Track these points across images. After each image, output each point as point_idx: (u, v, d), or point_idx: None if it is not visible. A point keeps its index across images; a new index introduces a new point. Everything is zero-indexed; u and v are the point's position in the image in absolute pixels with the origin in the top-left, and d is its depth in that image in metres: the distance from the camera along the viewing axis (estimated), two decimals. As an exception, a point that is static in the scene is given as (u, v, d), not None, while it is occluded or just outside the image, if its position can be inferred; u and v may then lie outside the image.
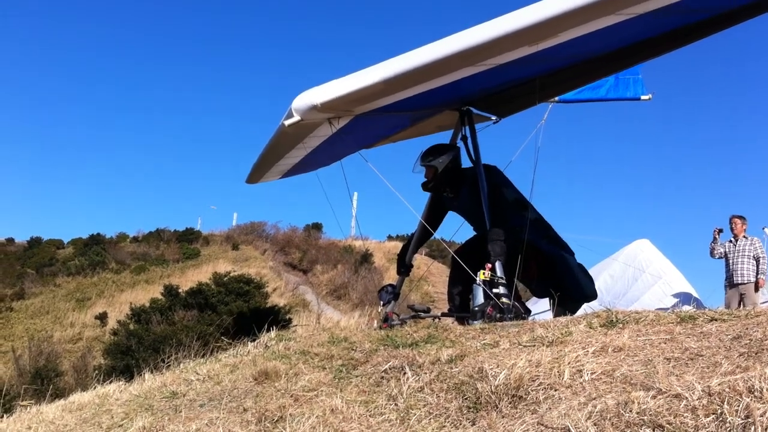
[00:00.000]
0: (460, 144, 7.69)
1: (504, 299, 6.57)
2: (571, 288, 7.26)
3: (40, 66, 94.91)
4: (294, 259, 45.06)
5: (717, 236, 12.56)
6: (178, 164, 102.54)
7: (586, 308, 6.87)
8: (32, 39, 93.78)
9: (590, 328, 4.60)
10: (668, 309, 11.72)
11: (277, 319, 16.31)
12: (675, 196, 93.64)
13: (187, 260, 42.08)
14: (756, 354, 3.47)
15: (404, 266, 8.21)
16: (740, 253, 12.10)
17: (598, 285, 14.40)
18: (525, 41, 5.41)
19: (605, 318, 4.76)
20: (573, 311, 7.07)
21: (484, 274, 6.68)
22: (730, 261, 12.22)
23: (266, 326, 7.05)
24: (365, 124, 7.07)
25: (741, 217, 12.43)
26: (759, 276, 11.99)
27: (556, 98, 8.91)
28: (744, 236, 12.29)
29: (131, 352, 17.85)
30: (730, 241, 12.36)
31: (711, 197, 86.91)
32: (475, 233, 7.72)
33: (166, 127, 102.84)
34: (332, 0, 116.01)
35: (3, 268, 41.64)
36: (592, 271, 15.22)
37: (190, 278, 34.26)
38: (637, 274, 13.81)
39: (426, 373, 4.20)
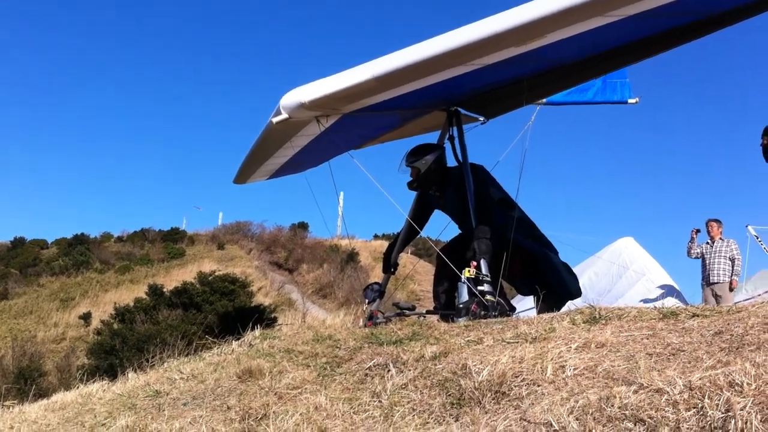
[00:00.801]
0: (446, 144, 7.70)
1: (488, 296, 6.57)
2: (555, 286, 7.28)
3: (24, 65, 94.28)
4: (280, 259, 45.00)
5: (694, 236, 12.94)
6: (163, 164, 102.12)
7: (570, 305, 6.89)
8: (16, 36, 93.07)
9: (573, 324, 4.62)
10: (653, 300, 11.86)
11: (262, 318, 16.33)
12: (659, 195, 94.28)
13: (172, 260, 41.93)
14: (737, 349, 3.49)
15: (390, 265, 8.18)
16: (717, 254, 12.54)
17: (583, 282, 14.48)
18: (513, 42, 5.42)
19: (588, 314, 4.78)
20: (557, 309, 7.10)
21: (469, 271, 6.68)
22: (707, 261, 12.65)
23: (251, 325, 7.02)
24: (353, 124, 7.06)
25: (717, 221, 12.91)
26: (733, 277, 12.45)
27: (544, 100, 8.92)
28: (720, 238, 12.73)
29: (115, 352, 17.80)
30: (707, 243, 12.73)
31: (693, 198, 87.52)
32: (460, 232, 7.73)
33: (150, 127, 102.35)
34: (318, 6, 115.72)
35: (-14, 268, 41.33)
36: (576, 269, 15.29)
37: (175, 278, 34.13)
38: (621, 272, 13.89)
39: (410, 370, 4.21)
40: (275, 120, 6.32)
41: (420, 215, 7.86)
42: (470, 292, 6.64)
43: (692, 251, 12.87)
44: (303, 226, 50.64)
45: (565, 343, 4.03)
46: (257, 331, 6.72)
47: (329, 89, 5.98)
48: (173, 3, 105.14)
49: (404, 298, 39.10)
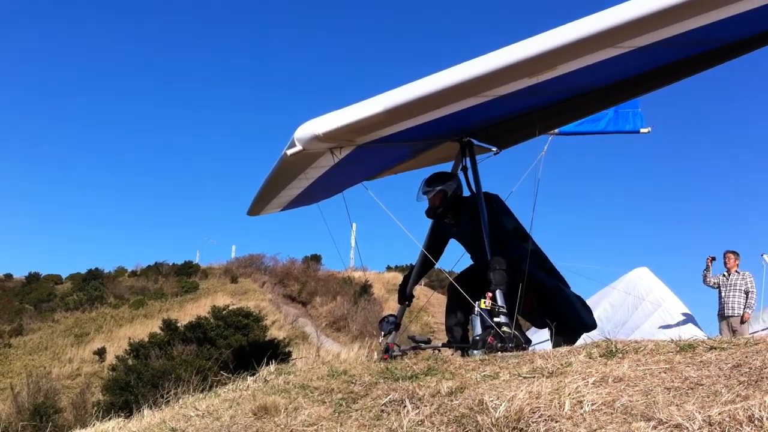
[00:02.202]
0: (460, 174, 7.73)
1: (505, 328, 6.54)
2: (569, 319, 7.24)
3: (35, 103, 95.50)
4: (293, 291, 44.97)
5: (710, 264, 12.90)
6: (177, 198, 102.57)
7: (585, 338, 6.85)
8: (24, 73, 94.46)
9: (590, 358, 4.59)
10: (673, 326, 11.77)
11: (277, 352, 16.28)
12: (673, 224, 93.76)
13: (186, 294, 41.98)
14: (756, 382, 3.47)
15: (405, 296, 8.18)
16: (732, 287, 12.50)
17: (598, 314, 14.43)
18: (525, 73, 5.45)
19: (605, 348, 4.76)
20: (572, 341, 7.05)
21: (484, 302, 6.66)
22: (723, 294, 12.61)
23: (265, 360, 7.01)
24: (366, 155, 7.10)
25: (734, 253, 12.85)
26: (746, 310, 12.40)
27: (556, 130, 8.95)
28: (736, 271, 12.69)
29: (130, 388, 17.75)
30: (723, 275, 12.69)
31: (708, 226, 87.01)
32: (472, 263, 7.72)
33: (163, 162, 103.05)
34: (333, 41, 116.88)
35: (1, 303, 41.43)
36: (591, 300, 15.27)
37: (188, 312, 34.15)
38: (636, 302, 13.81)
39: (426, 406, 4.18)
40: (289, 152, 6.36)
41: (435, 246, 7.86)
42: (485, 324, 6.62)
43: (708, 279, 12.82)
44: (316, 258, 50.70)
45: (582, 377, 4.01)
46: (272, 367, 6.71)
47: (342, 122, 6.02)
48: (184, 34, 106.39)
49: (418, 330, 38.97)
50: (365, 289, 43.10)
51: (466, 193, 7.67)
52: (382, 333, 8.02)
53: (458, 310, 7.43)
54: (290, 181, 8.05)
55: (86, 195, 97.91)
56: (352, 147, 6.65)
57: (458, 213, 7.53)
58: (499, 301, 6.71)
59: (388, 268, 52.19)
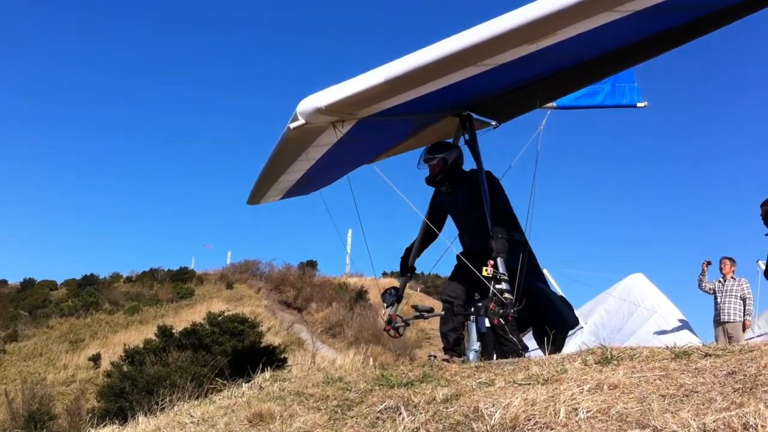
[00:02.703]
0: (461, 146, 7.78)
1: (507, 294, 6.58)
2: (552, 319, 7.27)
3: (31, 112, 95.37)
4: (289, 297, 44.93)
5: (705, 269, 12.89)
6: (172, 203, 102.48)
7: (581, 344, 6.86)
8: (19, 79, 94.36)
9: (585, 365, 4.60)
10: (668, 332, 11.77)
11: (272, 358, 16.26)
12: (670, 231, 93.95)
13: (181, 300, 41.92)
14: (750, 390, 3.48)
15: (407, 268, 8.15)
16: (728, 293, 12.49)
17: (593, 320, 14.50)
18: (525, 39, 5.48)
19: (600, 355, 4.76)
20: (561, 342, 7.10)
21: (486, 270, 6.67)
22: (718, 300, 12.59)
23: (261, 366, 7.01)
24: (368, 132, 7.10)
25: (730, 259, 12.86)
26: (745, 317, 12.40)
27: (554, 104, 8.96)
28: (732, 277, 12.67)
29: (125, 395, 17.70)
30: (719, 281, 12.67)
31: (705, 234, 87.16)
32: (460, 241, 7.67)
33: (159, 168, 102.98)
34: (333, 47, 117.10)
35: (-4, 310, 41.37)
36: (587, 306, 15.32)
37: (184, 318, 34.10)
38: (632, 309, 13.82)
39: (421, 413, 4.18)
40: (292, 125, 6.36)
41: (435, 219, 7.82)
42: (480, 330, 6.67)
43: (703, 284, 12.81)
44: (311, 264, 50.67)
45: (577, 384, 4.01)
46: (267, 373, 6.70)
47: (344, 93, 6.06)
48: (175, 37, 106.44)
49: (414, 336, 38.95)
50: (361, 295, 43.08)
51: (467, 166, 7.69)
52: (385, 305, 8.05)
53: (454, 318, 7.43)
54: (291, 162, 8.03)
55: (81, 200, 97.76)
56: (354, 121, 6.67)
57: (455, 183, 7.54)
58: (501, 269, 6.72)
59: (384, 274, 52.09)
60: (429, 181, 7.65)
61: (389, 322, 7.85)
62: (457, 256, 7.45)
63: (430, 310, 7.73)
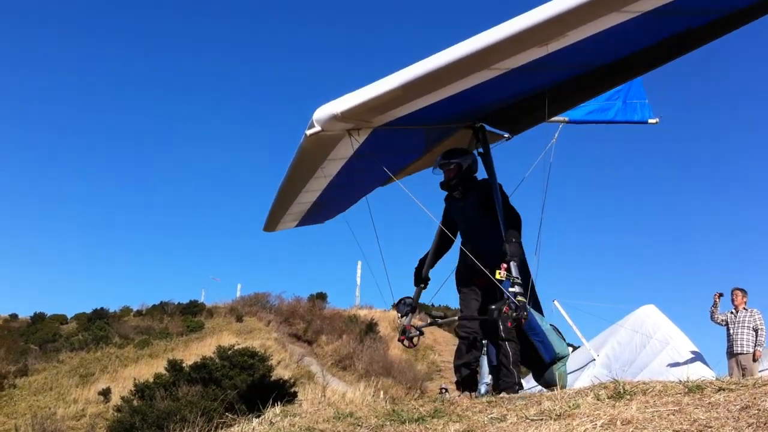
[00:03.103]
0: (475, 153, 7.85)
1: (520, 297, 6.60)
2: (542, 353, 7.20)
3: (39, 144, 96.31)
4: (298, 330, 44.81)
5: (717, 300, 12.81)
6: (181, 236, 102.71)
7: (593, 378, 6.82)
8: (25, 110, 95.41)
9: (598, 400, 4.57)
10: (681, 364, 11.66)
11: (282, 392, 16.19)
12: (681, 262, 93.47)
13: (191, 333, 41.87)
14: (765, 424, 3.45)
15: (421, 279, 8.10)
16: (740, 324, 12.41)
17: (606, 352, 14.39)
18: (536, 41, 5.57)
19: (613, 389, 4.73)
20: (551, 376, 7.06)
21: (499, 273, 6.70)
22: (731, 331, 12.50)
23: (271, 401, 6.97)
24: (382, 145, 7.15)
25: (742, 290, 12.79)
26: (756, 348, 12.27)
27: (566, 119, 9.01)
28: (744, 308, 12.59)
29: (135, 430, 17.66)
30: (731, 312, 12.62)
31: (717, 265, 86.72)
32: (462, 251, 7.63)
33: (168, 201, 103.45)
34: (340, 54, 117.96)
35: (6, 344, 41.30)
36: (599, 338, 15.22)
37: (194, 352, 34.06)
38: (644, 341, 13.71)
39: (433, 450, 4.16)
40: (309, 132, 6.44)
41: (448, 228, 7.80)
42: (491, 362, 6.65)
43: (715, 316, 12.74)
44: (321, 296, 50.62)
45: (590, 420, 3.98)
46: (277, 408, 6.66)
47: (360, 99, 6.15)
48: (184, 75, 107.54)
49: (425, 368, 38.73)
50: (371, 327, 42.96)
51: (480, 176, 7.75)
52: (399, 315, 8.05)
53: (468, 351, 7.40)
54: (307, 180, 8.07)
55: (91, 235, 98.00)
56: (369, 130, 6.74)
57: (467, 189, 7.57)
58: (514, 272, 6.75)
59: (395, 306, 52.01)
60: (443, 185, 7.69)
61: (403, 332, 7.84)
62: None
63: (444, 317, 7.71)
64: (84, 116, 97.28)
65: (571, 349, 17.39)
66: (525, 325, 7.03)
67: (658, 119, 10.00)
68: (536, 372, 7.38)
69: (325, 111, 6.30)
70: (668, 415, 3.94)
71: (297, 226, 10.21)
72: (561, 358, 7.32)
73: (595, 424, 3.88)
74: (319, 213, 9.48)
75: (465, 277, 7.45)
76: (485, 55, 5.63)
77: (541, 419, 4.30)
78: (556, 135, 8.41)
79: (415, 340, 7.95)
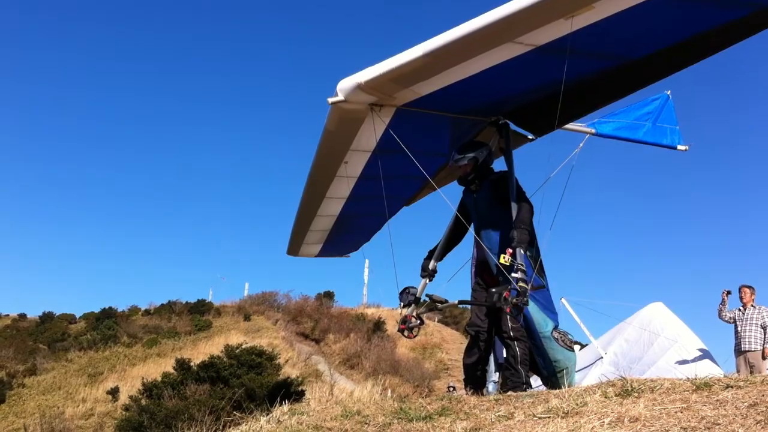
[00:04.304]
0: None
1: (522, 284, 6.53)
2: (537, 358, 7.18)
3: (49, 146, 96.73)
4: (306, 329, 44.84)
5: (725, 298, 12.76)
6: (189, 236, 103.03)
7: (600, 376, 6.79)
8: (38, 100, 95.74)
9: (605, 397, 4.55)
10: (689, 362, 11.61)
11: (290, 391, 16.19)
12: (688, 260, 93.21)
13: (199, 332, 41.97)
14: (773, 422, 3.43)
15: (428, 272, 7.96)
16: (748, 321, 12.36)
17: (614, 349, 14.35)
18: (561, 11, 5.49)
19: (620, 387, 4.71)
20: (558, 383, 7.02)
21: (504, 258, 6.65)
22: (739, 328, 12.46)
23: (279, 399, 6.97)
24: (406, 137, 7.01)
25: (750, 287, 12.76)
26: (765, 345, 12.22)
27: (593, 130, 8.97)
28: (752, 305, 12.54)
29: (143, 428, 17.68)
30: (739, 309, 12.59)
31: (725, 262, 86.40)
32: (475, 247, 7.60)
33: (177, 202, 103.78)
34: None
35: (15, 344, 41.53)
36: (607, 335, 15.17)
37: (202, 350, 34.13)
38: (652, 338, 13.65)
39: (441, 448, 4.15)
40: (331, 100, 6.41)
41: (464, 219, 7.75)
42: (498, 362, 6.61)
43: (723, 314, 12.68)
44: (329, 295, 50.62)
45: (597, 417, 3.97)
46: (285, 407, 6.66)
47: (384, 69, 6.09)
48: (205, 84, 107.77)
49: (432, 367, 38.70)
50: (378, 325, 42.96)
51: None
52: (401, 304, 7.93)
53: (477, 349, 7.36)
54: (331, 177, 8.00)
55: (99, 235, 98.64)
56: (393, 109, 6.70)
57: (482, 180, 7.52)
58: (518, 259, 6.69)
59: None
60: (461, 180, 7.65)
61: (404, 321, 7.75)
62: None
63: (444, 301, 7.65)
64: (92, 119, 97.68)
65: (578, 347, 17.38)
66: (523, 330, 7.02)
67: (687, 147, 9.89)
68: (542, 378, 7.33)
69: (349, 81, 6.26)
70: (676, 412, 3.93)
71: (320, 255, 10.20)
72: (563, 369, 7.23)
73: (603, 422, 3.87)
74: (341, 238, 9.43)
75: (478, 271, 7.42)
76: (508, 24, 5.53)
77: (549, 417, 4.29)
78: (581, 144, 8.40)
79: (415, 330, 7.83)
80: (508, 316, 6.80)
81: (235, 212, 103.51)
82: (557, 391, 5.37)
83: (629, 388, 4.64)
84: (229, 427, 7.20)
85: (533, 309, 7.09)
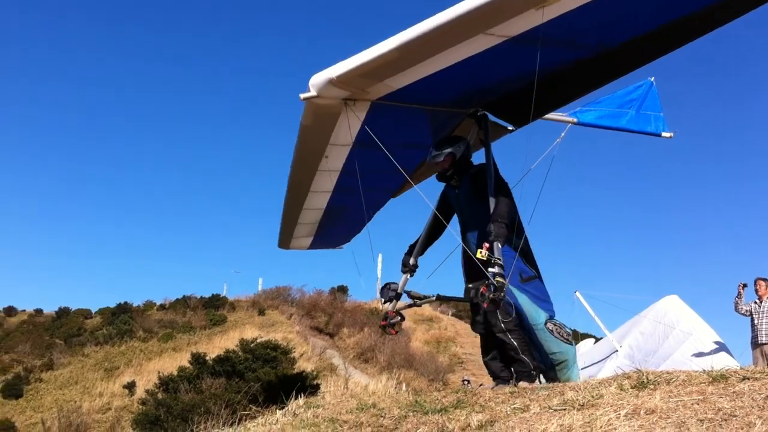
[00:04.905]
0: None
1: (499, 278, 6.40)
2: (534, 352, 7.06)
3: (66, 147, 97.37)
4: (320, 323, 44.90)
5: (741, 291, 12.68)
6: (203, 231, 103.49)
7: (616, 368, 6.78)
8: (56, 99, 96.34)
9: (621, 390, 4.55)
10: (705, 355, 11.56)
11: (305, 384, 16.25)
12: (703, 253, 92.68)
13: (214, 327, 42.12)
14: (791, 413, 3.42)
15: (408, 266, 7.86)
16: (765, 314, 12.32)
17: (629, 342, 14.32)
18: (531, 1, 5.40)
19: (636, 379, 4.71)
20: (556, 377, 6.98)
21: (480, 252, 6.55)
22: (755, 321, 12.41)
23: (294, 393, 7.00)
24: (384, 130, 6.92)
25: (766, 280, 12.67)
26: None
27: (575, 120, 8.87)
28: None
29: (160, 422, 17.78)
30: (755, 302, 12.49)
31: (740, 255, 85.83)
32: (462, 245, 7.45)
33: (190, 197, 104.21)
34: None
35: (32, 339, 41.91)
36: (622, 328, 15.14)
37: (217, 345, 34.27)
38: (667, 331, 13.62)
39: (456, 440, 4.17)
40: (303, 96, 6.31)
41: (443, 215, 7.66)
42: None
43: (739, 307, 12.60)
44: (342, 289, 50.67)
45: (613, 409, 3.97)
46: (301, 400, 6.70)
47: (355, 63, 5.98)
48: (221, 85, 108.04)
49: (446, 360, 38.67)
50: (392, 320, 42.91)
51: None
52: (382, 300, 7.87)
53: (492, 346, 7.32)
54: (313, 173, 7.94)
55: (114, 230, 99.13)
56: (367, 103, 6.61)
57: (462, 175, 7.45)
58: (496, 253, 6.57)
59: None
60: (439, 177, 7.57)
61: (385, 317, 7.70)
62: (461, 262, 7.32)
63: (423, 297, 7.61)
64: (107, 117, 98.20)
65: (593, 341, 17.33)
66: (515, 321, 6.91)
67: (672, 133, 9.78)
68: (542, 372, 7.26)
69: (320, 76, 6.15)
70: (692, 404, 3.92)
71: (312, 247, 10.17)
72: (561, 362, 7.12)
73: (619, 414, 3.87)
74: (331, 229, 9.40)
75: (465, 269, 7.28)
76: (479, 15, 5.43)
77: (564, 409, 4.30)
78: (563, 134, 8.29)
79: (396, 326, 7.78)
80: (498, 310, 6.73)
81: (248, 207, 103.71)
82: (573, 383, 5.38)
83: (645, 381, 4.64)
84: (246, 420, 7.24)
85: (524, 301, 6.97)
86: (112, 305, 48.04)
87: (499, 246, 6.65)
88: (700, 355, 12.44)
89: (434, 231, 7.85)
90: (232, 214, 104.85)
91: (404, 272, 7.90)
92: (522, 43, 5.87)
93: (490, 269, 6.49)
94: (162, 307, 49.15)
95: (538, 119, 7.94)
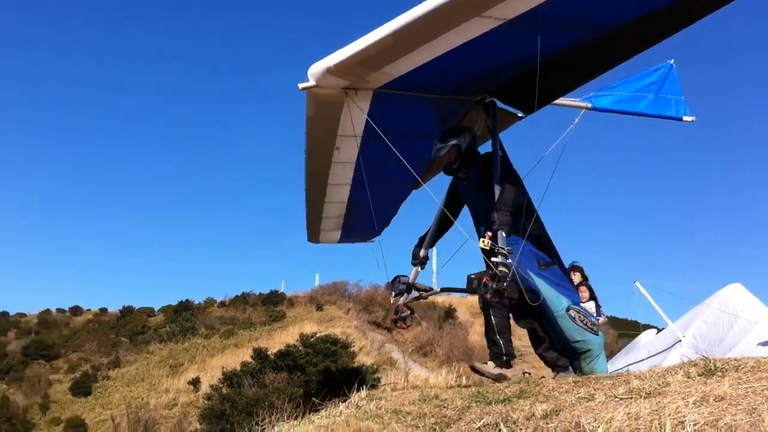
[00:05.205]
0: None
1: (502, 268, 6.36)
2: (554, 339, 7.00)
3: (123, 152, 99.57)
4: (378, 318, 45.00)
5: None
6: (260, 229, 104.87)
7: (681, 357, 6.67)
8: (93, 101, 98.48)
9: (688, 377, 4.49)
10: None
11: (365, 378, 16.37)
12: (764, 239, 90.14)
13: (274, 322, 42.60)
14: None
15: (419, 258, 7.84)
16: None
17: (692, 332, 14.05)
18: None
19: (703, 367, 4.64)
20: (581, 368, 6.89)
21: (483, 242, 6.52)
22: None
23: (356, 386, 7.07)
24: (391, 121, 6.82)
25: None
26: None
27: (590, 105, 8.68)
28: None
29: (226, 416, 18.13)
30: None
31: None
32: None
33: (247, 196, 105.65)
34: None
35: (98, 337, 42.97)
36: (685, 318, 14.88)
37: (277, 340, 34.67)
38: (732, 320, 13.32)
39: (521, 429, 4.17)
40: (301, 85, 6.21)
41: (451, 207, 7.64)
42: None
43: None
44: (399, 283, 50.60)
45: (681, 397, 3.92)
46: (363, 392, 6.76)
47: (351, 51, 5.90)
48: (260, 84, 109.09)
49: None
50: (449, 313, 42.88)
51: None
52: (393, 293, 7.86)
53: (540, 339, 7.28)
54: (327, 165, 7.81)
55: (175, 232, 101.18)
56: (369, 93, 6.53)
57: (470, 166, 7.38)
58: (500, 242, 6.52)
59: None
60: (445, 170, 7.53)
61: (396, 311, 7.68)
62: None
63: (429, 289, 7.56)
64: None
65: (655, 331, 17.03)
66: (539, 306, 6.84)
67: (694, 117, 9.47)
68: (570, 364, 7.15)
69: (318, 65, 6.05)
70: (763, 390, 3.85)
71: (342, 241, 10.16)
72: (585, 351, 7.01)
73: (687, 402, 3.82)
74: (358, 223, 9.36)
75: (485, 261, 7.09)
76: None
77: (631, 398, 4.26)
78: (576, 120, 8.12)
79: (407, 320, 7.75)
80: (525, 292, 6.62)
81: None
82: (638, 371, 5.31)
83: (712, 368, 4.57)
84: (309, 413, 7.32)
85: (543, 287, 6.87)
86: (174, 303, 49.00)
87: (503, 235, 6.59)
88: (766, 343, 12.14)
89: (444, 222, 7.79)
90: (287, 211, 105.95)
91: (415, 264, 7.89)
92: (519, 25, 5.73)
93: (492, 258, 6.45)
94: (222, 304, 49.82)
95: (549, 105, 7.77)
